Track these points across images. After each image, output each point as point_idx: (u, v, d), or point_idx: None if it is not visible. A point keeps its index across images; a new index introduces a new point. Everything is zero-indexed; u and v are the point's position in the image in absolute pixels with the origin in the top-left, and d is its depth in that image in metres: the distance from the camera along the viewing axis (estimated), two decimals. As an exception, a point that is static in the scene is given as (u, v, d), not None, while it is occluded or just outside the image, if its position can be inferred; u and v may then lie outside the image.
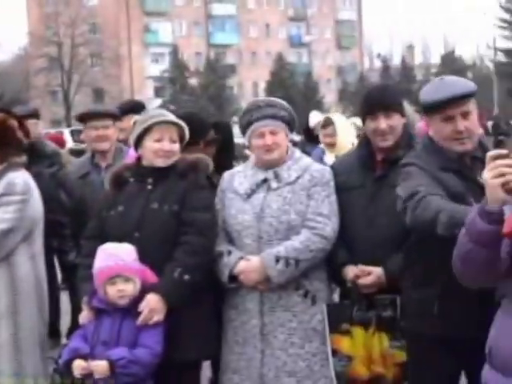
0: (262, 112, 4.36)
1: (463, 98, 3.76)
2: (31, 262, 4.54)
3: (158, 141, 4.36)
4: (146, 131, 4.38)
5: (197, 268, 4.23)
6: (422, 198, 3.53)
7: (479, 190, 2.85)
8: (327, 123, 7.66)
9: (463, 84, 3.83)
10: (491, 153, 2.67)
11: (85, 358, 4.12)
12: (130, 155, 4.92)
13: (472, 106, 3.82)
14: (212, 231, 4.36)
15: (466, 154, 3.79)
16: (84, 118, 5.99)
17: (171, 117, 4.48)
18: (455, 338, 3.71)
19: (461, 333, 3.68)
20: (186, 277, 4.18)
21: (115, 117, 6.04)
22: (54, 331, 6.79)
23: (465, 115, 3.76)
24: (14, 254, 4.45)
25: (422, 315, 3.82)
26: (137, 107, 6.86)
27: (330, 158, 7.02)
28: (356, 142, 7.14)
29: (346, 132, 7.55)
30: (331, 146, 7.54)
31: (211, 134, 5.20)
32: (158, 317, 4.17)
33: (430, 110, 3.81)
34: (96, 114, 5.95)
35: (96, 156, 5.91)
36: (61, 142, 13.08)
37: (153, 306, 4.16)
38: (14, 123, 4.58)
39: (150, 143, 4.38)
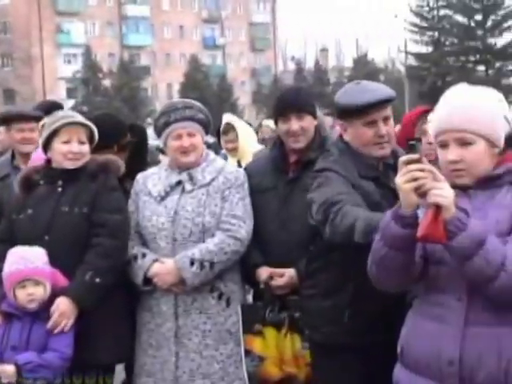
0: (180, 114, 4.34)
1: (386, 102, 3.78)
2: None
3: (67, 143, 4.32)
4: (55, 133, 4.32)
5: (109, 270, 4.20)
6: (341, 208, 3.46)
7: (394, 198, 2.87)
8: (228, 129, 7.64)
9: (385, 89, 3.84)
10: (403, 158, 2.71)
11: (-7, 362, 4.06)
12: (36, 157, 4.82)
13: (390, 111, 3.84)
14: (124, 233, 4.32)
15: (381, 161, 3.81)
16: (7, 120, 5.84)
17: (79, 118, 4.43)
18: (366, 342, 3.70)
19: (371, 336, 3.68)
20: (98, 280, 4.14)
21: (39, 119, 5.92)
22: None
23: (385, 120, 3.79)
24: None
25: (334, 322, 3.77)
26: (55, 108, 6.73)
27: (232, 162, 7.02)
28: (257, 146, 7.24)
29: (248, 137, 7.60)
30: (233, 151, 7.55)
31: (127, 137, 5.13)
32: (69, 320, 4.11)
33: (350, 114, 3.76)
34: (23, 116, 5.82)
35: (17, 158, 5.78)
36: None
37: (63, 310, 4.11)
38: None
39: (58, 145, 4.33)
